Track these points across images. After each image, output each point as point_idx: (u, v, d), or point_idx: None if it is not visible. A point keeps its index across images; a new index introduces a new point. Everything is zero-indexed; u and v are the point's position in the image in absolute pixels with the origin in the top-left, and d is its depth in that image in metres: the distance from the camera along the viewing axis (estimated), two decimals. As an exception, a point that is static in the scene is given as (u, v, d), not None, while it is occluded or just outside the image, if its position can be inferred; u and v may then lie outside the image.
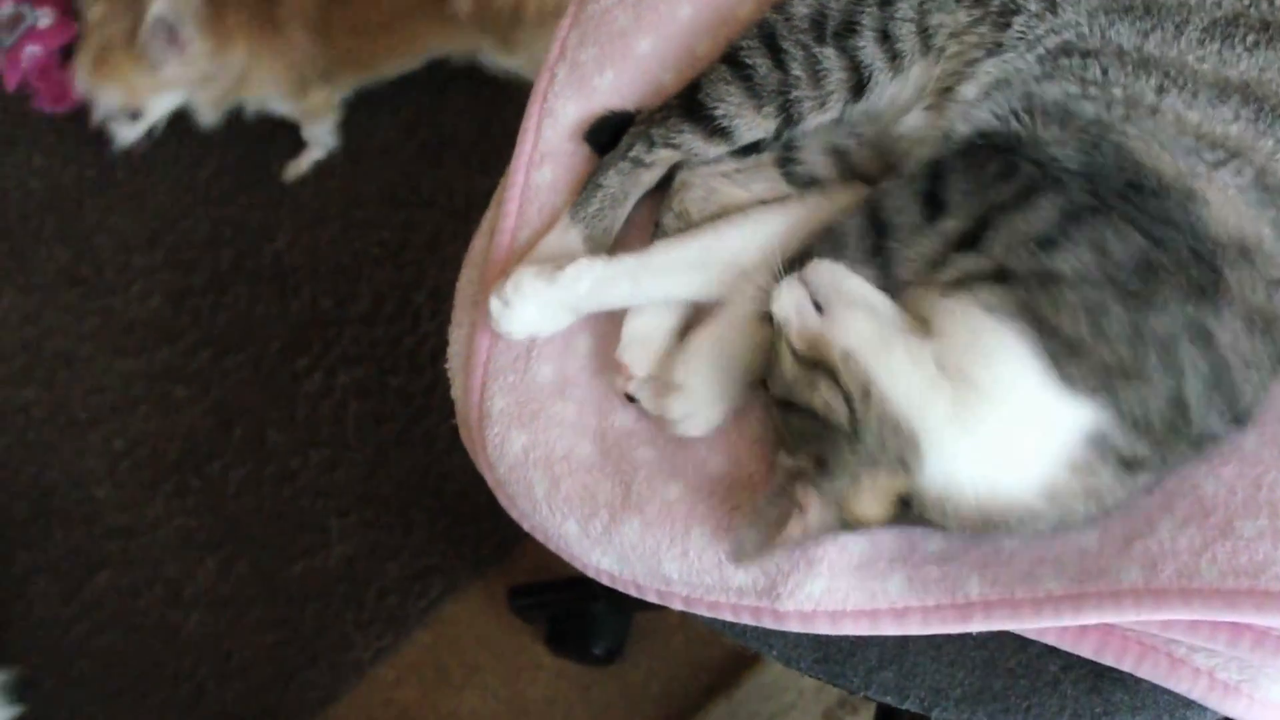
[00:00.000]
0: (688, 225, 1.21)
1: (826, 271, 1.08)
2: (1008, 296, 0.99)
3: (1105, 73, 1.09)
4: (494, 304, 1.19)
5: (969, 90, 1.12)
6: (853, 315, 1.05)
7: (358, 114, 2.46)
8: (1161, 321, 1.00)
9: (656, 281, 1.18)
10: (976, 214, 1.01)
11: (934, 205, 1.02)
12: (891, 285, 1.04)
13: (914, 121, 1.16)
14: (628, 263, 1.18)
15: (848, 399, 1.03)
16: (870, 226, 1.04)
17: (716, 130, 1.19)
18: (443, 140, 2.44)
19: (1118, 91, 1.08)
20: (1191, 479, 1.05)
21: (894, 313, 1.05)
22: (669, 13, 1.30)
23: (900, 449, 1.02)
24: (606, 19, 1.32)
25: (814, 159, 1.21)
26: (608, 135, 1.27)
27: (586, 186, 1.23)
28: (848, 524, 1.06)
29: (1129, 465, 1.02)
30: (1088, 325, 0.99)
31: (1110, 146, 1.05)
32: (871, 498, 1.04)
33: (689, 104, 1.20)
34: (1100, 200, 1.02)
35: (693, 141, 1.20)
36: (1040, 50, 1.11)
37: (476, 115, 2.46)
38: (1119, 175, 1.04)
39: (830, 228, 1.07)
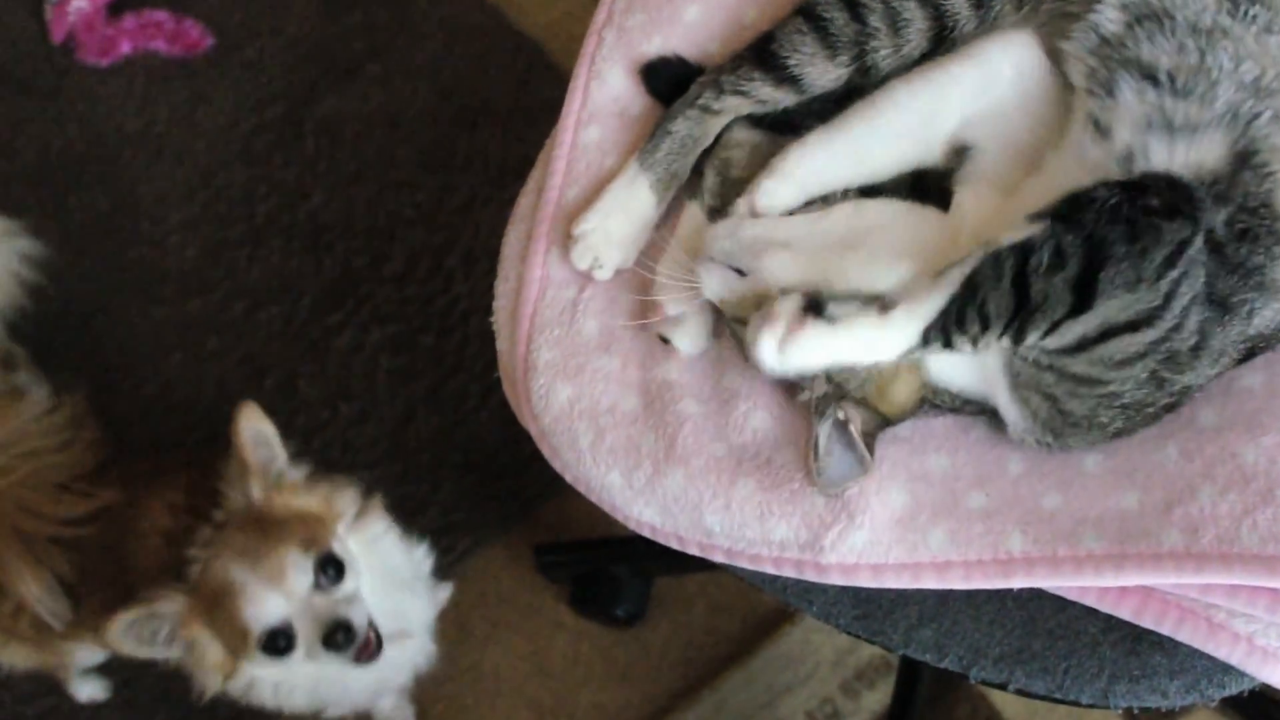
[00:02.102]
0: (727, 181, 1.21)
1: (723, 235, 1.12)
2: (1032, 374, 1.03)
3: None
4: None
5: (1110, 15, 1.08)
6: (771, 263, 1.08)
7: (395, 78, 2.46)
8: (1156, 397, 1.03)
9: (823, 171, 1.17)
10: (1115, 324, 0.97)
11: (1083, 295, 0.94)
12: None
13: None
14: (792, 158, 1.16)
15: None
16: (1012, 312, 0.96)
17: (787, 78, 1.17)
18: (479, 107, 2.44)
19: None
20: (1231, 448, 1.05)
21: (810, 228, 1.11)
22: (715, -23, 1.30)
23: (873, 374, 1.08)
24: (655, -17, 1.31)
25: None
26: (663, 83, 1.27)
27: (654, 133, 1.22)
28: (890, 419, 1.11)
29: None
30: (1089, 410, 1.03)
31: (1264, 189, 1.01)
32: (887, 396, 1.10)
33: (761, 53, 1.19)
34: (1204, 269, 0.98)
35: (763, 89, 1.18)
36: None
37: (512, 84, 2.46)
38: (1243, 219, 1.01)
39: (975, 288, 0.97)
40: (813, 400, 1.11)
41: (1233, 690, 1.10)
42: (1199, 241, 0.96)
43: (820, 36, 1.16)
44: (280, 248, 2.35)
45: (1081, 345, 0.98)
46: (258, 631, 1.53)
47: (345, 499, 1.67)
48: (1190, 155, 1.02)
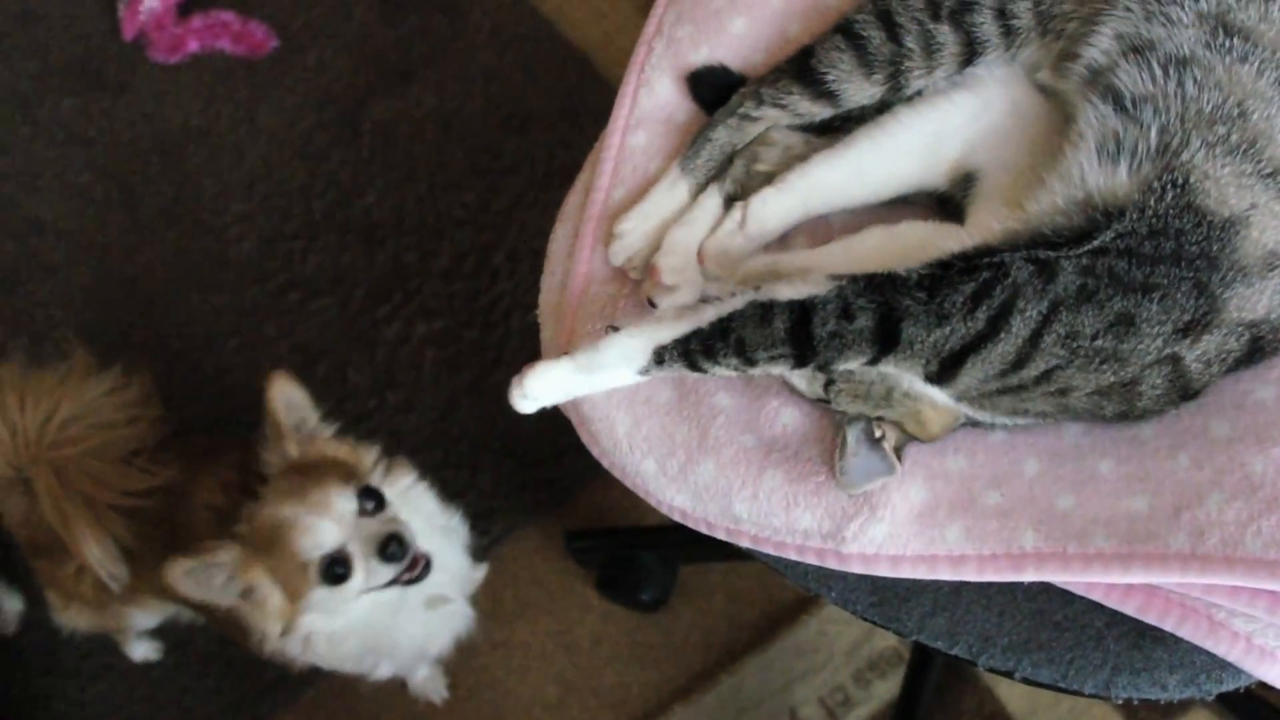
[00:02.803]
0: (751, 173, 1.23)
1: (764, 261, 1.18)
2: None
3: (1259, 75, 1.06)
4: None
5: (1105, 46, 1.11)
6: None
7: (449, 84, 2.48)
8: (1128, 369, 1.03)
9: (825, 190, 1.22)
10: (949, 351, 1.04)
11: (886, 338, 1.04)
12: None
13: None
14: (791, 181, 1.21)
15: (858, 395, 1.12)
16: (790, 340, 1.06)
17: (824, 93, 1.19)
18: (527, 115, 2.45)
19: (1255, 115, 1.05)
20: (1241, 458, 1.06)
21: (846, 252, 1.18)
22: (764, -3, 1.32)
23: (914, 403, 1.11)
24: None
25: None
26: (708, 91, 1.29)
27: (695, 140, 1.24)
28: (922, 441, 1.13)
29: None
30: (1054, 407, 1.07)
31: (1171, 197, 1.04)
32: (926, 428, 1.12)
33: (800, 67, 1.21)
34: (1087, 272, 1.03)
35: (800, 102, 1.20)
36: (1193, 11, 1.08)
37: (560, 93, 2.47)
38: (1151, 223, 1.04)
39: (733, 320, 1.08)
40: (844, 414, 1.13)
41: (1229, 686, 1.10)
42: (1019, 271, 1.03)
43: (858, 55, 1.18)
44: (334, 242, 2.38)
45: (944, 370, 1.05)
46: (316, 559, 1.56)
47: (369, 453, 1.71)
48: (1111, 178, 1.06)
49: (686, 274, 1.21)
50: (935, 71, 1.17)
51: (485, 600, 1.98)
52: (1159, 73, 1.07)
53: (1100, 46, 1.11)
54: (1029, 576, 1.08)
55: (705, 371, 1.09)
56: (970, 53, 1.16)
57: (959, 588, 1.15)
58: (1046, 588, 1.12)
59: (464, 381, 2.24)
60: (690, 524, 1.22)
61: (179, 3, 2.56)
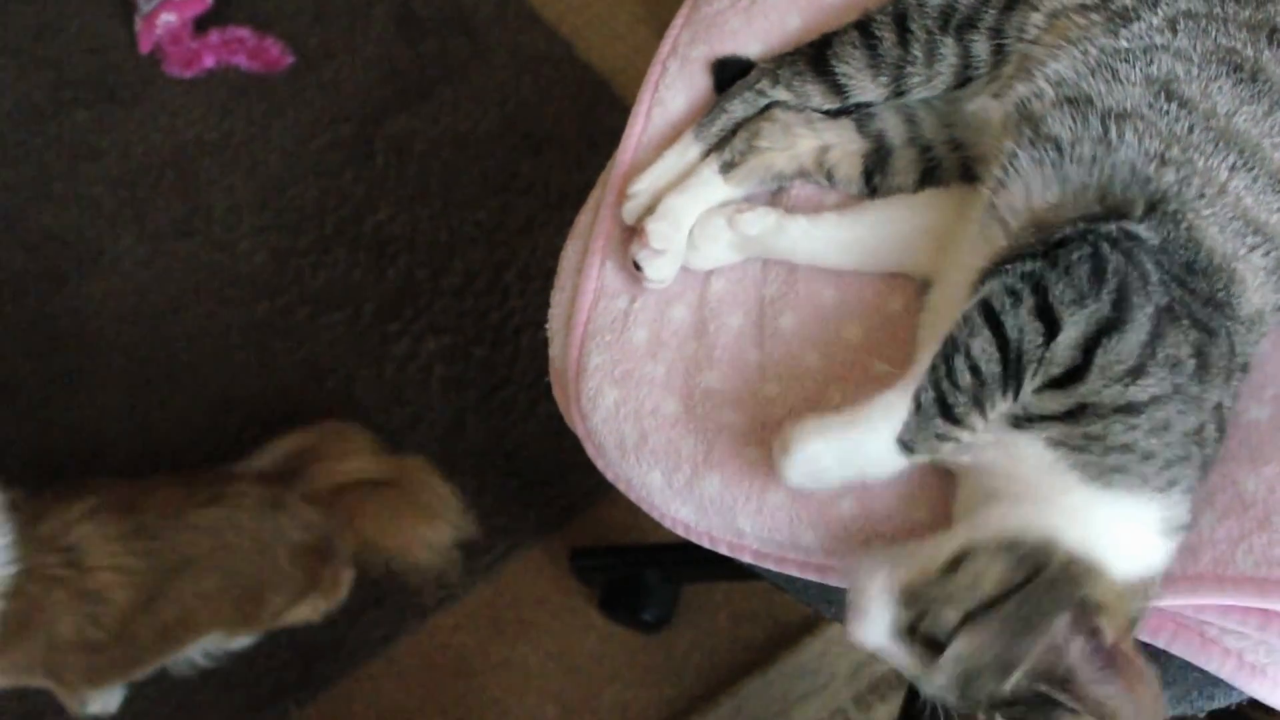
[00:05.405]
0: (751, 147, 1.27)
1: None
2: (1074, 431, 1.03)
3: (1191, 131, 1.10)
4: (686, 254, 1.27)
5: (1044, 86, 1.15)
6: None
7: (465, 103, 2.52)
8: (1199, 418, 1.05)
9: (815, 246, 1.25)
10: (1087, 335, 1.02)
11: (1049, 321, 1.02)
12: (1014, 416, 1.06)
13: (984, 105, 1.22)
14: (799, 223, 1.25)
15: None
16: (999, 350, 1.02)
17: (834, 85, 1.25)
18: (543, 135, 2.50)
19: (1200, 162, 1.09)
20: (1233, 476, 1.09)
21: None
22: (779, 22, 1.35)
23: None
24: (719, 21, 1.36)
25: (885, 115, 1.27)
26: (731, 77, 1.33)
27: (712, 110, 1.29)
28: None
29: None
30: (1153, 441, 1.03)
31: (1184, 228, 1.07)
32: None
33: (816, 57, 1.26)
34: (1168, 288, 1.04)
35: (812, 91, 1.26)
36: (1142, 74, 1.13)
37: (576, 114, 2.52)
38: (1181, 254, 1.06)
39: (955, 344, 1.04)
40: None
41: (1221, 703, 1.12)
42: (1114, 257, 1.03)
43: (869, 54, 1.23)
44: (345, 258, 2.41)
45: (1077, 369, 1.02)
46: None
47: None
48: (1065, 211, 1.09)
49: (675, 241, 1.25)
50: (934, 80, 1.22)
51: (486, 620, 2.00)
52: (1094, 123, 1.11)
53: (1039, 86, 1.15)
54: (1024, 596, 1.10)
55: (963, 425, 1.05)
56: (965, 65, 1.22)
57: (955, 604, 1.17)
58: (1041, 605, 1.14)
59: (471, 398, 2.28)
60: (693, 538, 1.24)
61: (196, 17, 2.61)
